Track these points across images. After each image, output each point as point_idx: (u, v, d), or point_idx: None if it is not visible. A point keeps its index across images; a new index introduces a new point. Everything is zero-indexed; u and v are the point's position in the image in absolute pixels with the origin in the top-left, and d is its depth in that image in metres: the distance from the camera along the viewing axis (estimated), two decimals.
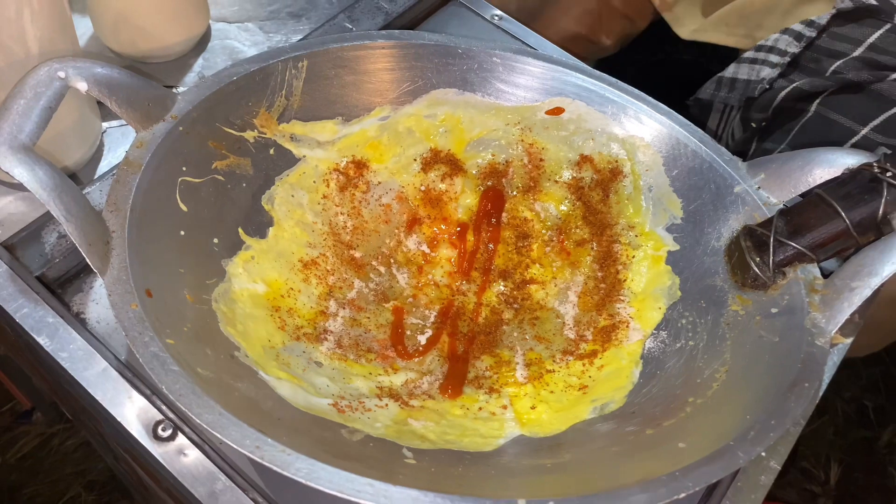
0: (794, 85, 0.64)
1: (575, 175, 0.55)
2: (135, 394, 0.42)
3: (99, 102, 0.50)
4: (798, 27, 0.65)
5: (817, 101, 0.63)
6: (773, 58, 0.66)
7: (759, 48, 0.67)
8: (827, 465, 1.06)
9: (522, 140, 0.55)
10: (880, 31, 0.59)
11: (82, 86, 0.42)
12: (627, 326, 0.50)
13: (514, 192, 0.55)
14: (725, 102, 0.71)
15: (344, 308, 0.49)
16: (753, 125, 0.69)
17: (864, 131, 0.60)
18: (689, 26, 0.75)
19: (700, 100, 0.71)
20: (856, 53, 0.61)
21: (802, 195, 0.48)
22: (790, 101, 0.65)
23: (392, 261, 0.53)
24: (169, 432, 0.40)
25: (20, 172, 0.37)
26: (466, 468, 0.40)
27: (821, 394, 0.42)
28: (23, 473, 0.98)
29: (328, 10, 0.63)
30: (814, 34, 0.64)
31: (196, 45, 0.60)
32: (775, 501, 1.04)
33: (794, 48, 0.65)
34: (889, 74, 0.59)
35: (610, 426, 0.43)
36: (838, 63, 0.61)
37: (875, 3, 0.58)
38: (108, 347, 0.44)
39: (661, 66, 0.86)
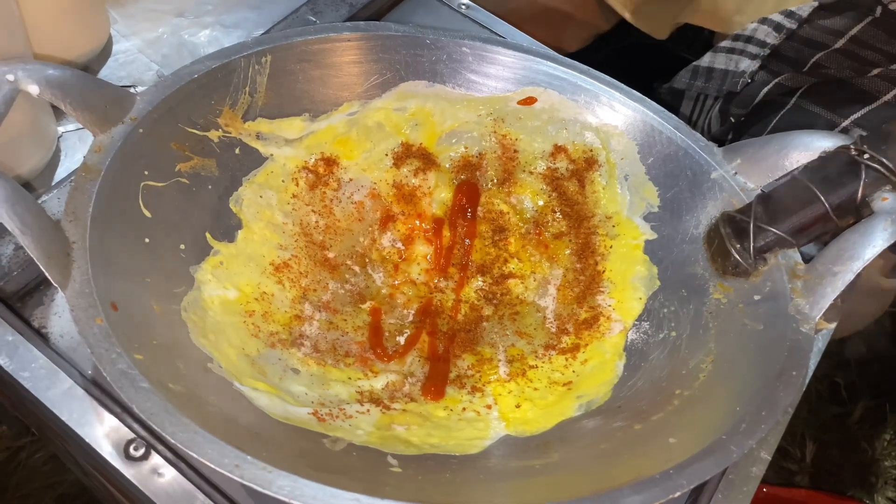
0: (775, 81, 0.63)
1: (550, 165, 0.54)
2: (103, 412, 0.40)
3: (54, 106, 0.47)
4: (777, 17, 0.63)
5: (797, 94, 0.62)
6: (752, 48, 0.65)
7: (736, 37, 0.66)
8: (802, 442, 1.07)
9: (495, 131, 0.54)
10: (862, 24, 0.59)
11: (34, 89, 0.40)
12: (609, 318, 0.49)
13: (489, 185, 0.54)
14: (702, 92, 0.70)
15: (319, 311, 0.48)
16: (732, 119, 0.68)
17: (844, 123, 0.59)
18: (664, 25, 0.74)
19: (674, 88, 0.71)
20: (837, 45, 0.60)
21: (780, 179, 0.48)
22: (771, 96, 0.64)
23: (367, 260, 0.52)
24: (141, 451, 0.39)
25: None
26: (454, 474, 0.39)
27: (807, 381, 0.41)
28: None
29: (289, 2, 0.61)
30: (794, 26, 0.63)
31: (101, 54, 0.56)
32: None
33: (773, 39, 0.64)
34: (870, 70, 0.58)
35: (597, 422, 0.43)
36: (819, 55, 0.61)
37: None
38: (72, 364, 0.42)
39: (630, 50, 0.86)
